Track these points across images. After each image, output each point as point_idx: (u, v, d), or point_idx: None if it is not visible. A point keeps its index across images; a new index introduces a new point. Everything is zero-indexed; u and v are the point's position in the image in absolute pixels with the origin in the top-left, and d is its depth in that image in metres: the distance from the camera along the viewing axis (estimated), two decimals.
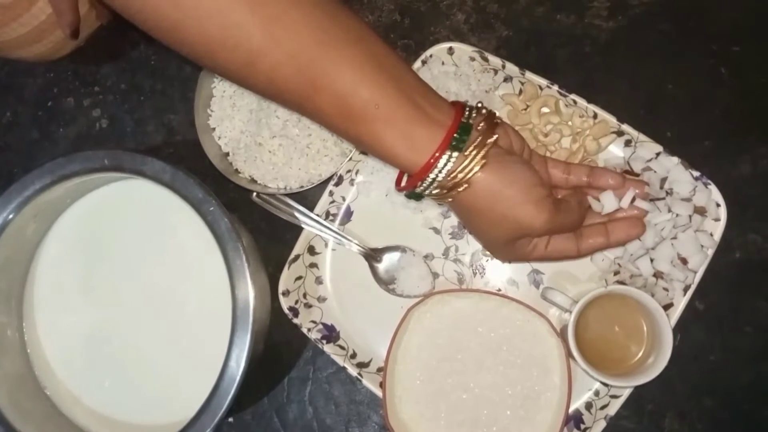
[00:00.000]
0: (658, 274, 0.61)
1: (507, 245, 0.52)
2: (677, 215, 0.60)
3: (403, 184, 0.52)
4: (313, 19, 0.44)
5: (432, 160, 0.46)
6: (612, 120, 0.63)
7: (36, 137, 0.72)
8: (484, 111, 0.49)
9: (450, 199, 0.49)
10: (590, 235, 0.55)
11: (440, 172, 0.46)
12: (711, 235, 0.61)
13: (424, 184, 0.48)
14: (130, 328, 0.60)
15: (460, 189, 0.47)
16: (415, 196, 0.50)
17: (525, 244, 0.52)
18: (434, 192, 0.48)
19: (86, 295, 0.61)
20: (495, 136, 0.47)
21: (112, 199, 0.61)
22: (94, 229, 0.61)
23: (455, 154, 0.46)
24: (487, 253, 0.65)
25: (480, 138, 0.47)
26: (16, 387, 0.58)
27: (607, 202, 0.56)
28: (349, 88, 0.44)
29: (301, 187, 0.65)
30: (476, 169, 0.47)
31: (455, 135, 0.46)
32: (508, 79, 0.65)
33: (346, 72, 0.44)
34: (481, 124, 0.48)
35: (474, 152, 0.46)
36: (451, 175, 0.47)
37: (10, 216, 0.56)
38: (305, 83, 0.44)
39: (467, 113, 0.48)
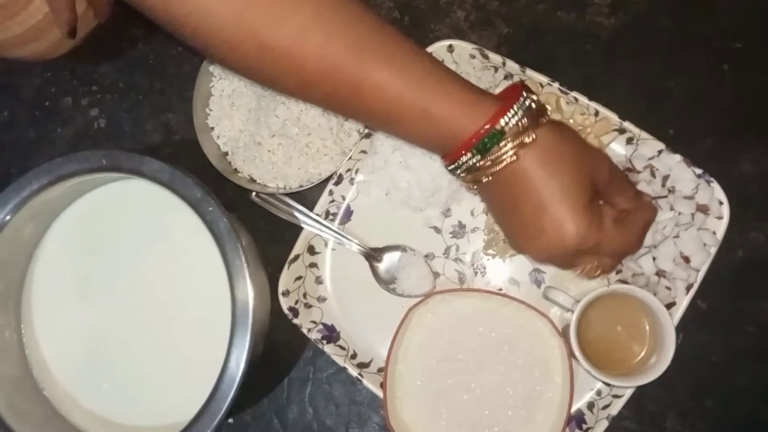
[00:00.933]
0: (660, 273, 0.61)
1: (583, 195, 0.48)
2: (680, 213, 0.60)
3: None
4: (360, 13, 0.45)
5: (488, 124, 0.45)
6: (613, 117, 0.62)
7: (34, 137, 0.72)
8: (536, 98, 0.48)
9: (489, 179, 0.48)
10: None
11: (487, 144, 0.46)
12: (714, 233, 0.61)
13: (467, 157, 0.47)
14: (128, 328, 0.60)
15: (498, 167, 0.47)
16: (456, 169, 0.49)
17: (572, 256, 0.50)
18: (479, 164, 0.47)
19: (85, 296, 0.61)
20: (546, 116, 0.47)
21: (111, 199, 0.61)
22: (93, 229, 0.61)
23: (510, 123, 0.45)
24: (489, 252, 0.65)
25: (533, 116, 0.47)
26: (14, 388, 0.57)
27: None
28: (401, 69, 0.45)
29: (301, 186, 0.65)
30: (520, 147, 0.46)
31: (518, 102, 0.46)
32: (508, 76, 0.65)
33: (398, 55, 0.46)
34: (534, 107, 0.47)
35: (526, 126, 0.46)
36: (497, 152, 0.46)
37: (7, 217, 0.55)
38: (359, 69, 0.45)
39: (521, 102, 0.47)
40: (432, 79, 0.46)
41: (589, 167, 0.49)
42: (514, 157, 0.46)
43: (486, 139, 0.46)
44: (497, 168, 0.47)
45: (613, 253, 0.52)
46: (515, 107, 0.46)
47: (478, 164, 0.47)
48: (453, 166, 0.49)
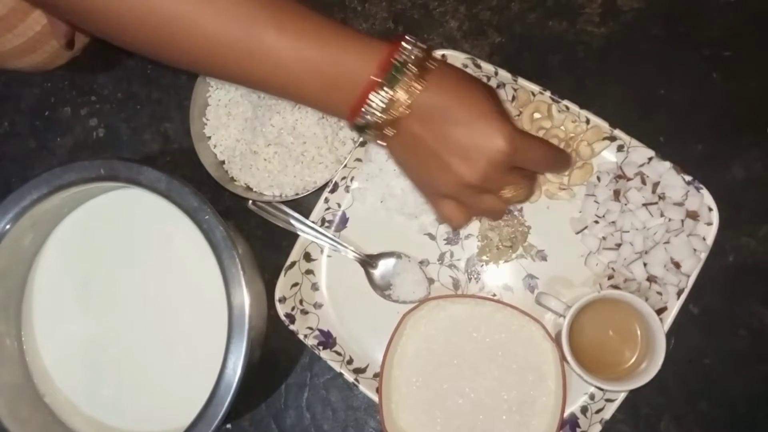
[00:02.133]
0: (651, 279, 0.61)
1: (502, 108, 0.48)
2: (670, 219, 0.61)
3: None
4: None
5: (373, 80, 0.45)
6: (604, 125, 0.63)
7: (33, 146, 0.73)
8: (425, 47, 0.47)
9: (392, 130, 0.47)
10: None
11: (381, 93, 0.45)
12: (704, 239, 0.61)
13: (369, 108, 0.46)
14: (127, 336, 0.61)
15: (397, 113, 0.46)
16: (363, 126, 0.47)
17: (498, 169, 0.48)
18: (377, 116, 0.46)
19: (84, 304, 0.61)
20: (436, 63, 0.46)
21: (109, 208, 0.62)
22: (91, 238, 0.62)
23: (397, 75, 0.45)
24: (483, 258, 0.65)
25: (420, 62, 0.46)
26: (15, 396, 0.58)
27: None
28: (297, 27, 0.44)
29: (297, 194, 0.65)
30: (418, 88, 0.45)
31: (398, 56, 0.45)
32: (501, 85, 0.66)
33: (294, 13, 0.45)
34: (420, 53, 0.46)
35: (415, 72, 0.45)
36: (394, 97, 0.45)
37: (8, 226, 0.56)
38: (252, 34, 0.44)
39: (410, 45, 0.46)
40: (324, 34, 0.45)
41: (489, 91, 0.49)
42: (418, 92, 0.45)
43: (390, 74, 0.45)
44: (406, 108, 0.46)
45: (539, 163, 0.52)
46: (408, 44, 0.45)
47: (384, 111, 0.46)
48: (360, 119, 0.47)
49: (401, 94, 0.45)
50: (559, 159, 0.55)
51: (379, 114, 0.46)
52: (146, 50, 0.46)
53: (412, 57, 0.46)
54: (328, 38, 0.45)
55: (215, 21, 0.43)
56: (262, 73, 0.46)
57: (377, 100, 0.45)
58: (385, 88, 0.45)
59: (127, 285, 0.61)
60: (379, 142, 0.49)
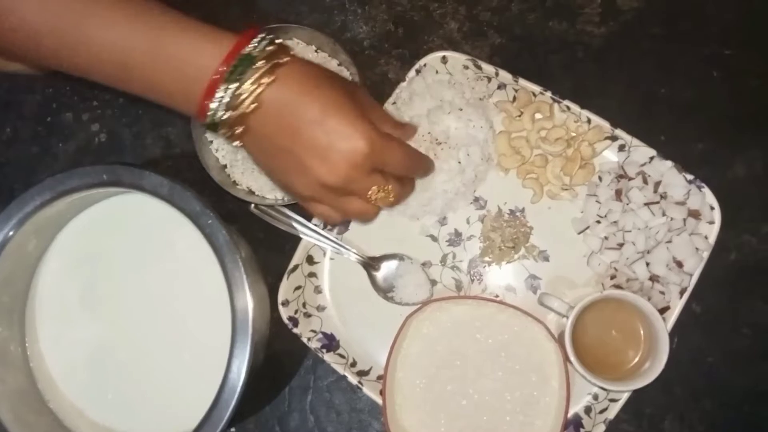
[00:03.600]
0: (654, 278, 0.61)
1: (356, 104, 0.46)
2: (672, 219, 0.61)
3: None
4: None
5: (220, 73, 0.43)
6: (605, 125, 0.63)
7: (36, 152, 0.73)
8: (277, 41, 0.46)
9: (242, 128, 0.45)
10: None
11: (227, 89, 0.44)
12: (706, 237, 0.61)
13: (215, 104, 0.44)
14: (131, 340, 0.61)
15: (248, 109, 0.44)
16: (213, 126, 0.46)
17: (360, 172, 0.47)
18: (225, 116, 0.44)
19: (87, 309, 0.61)
20: (286, 58, 0.45)
21: (112, 213, 0.62)
22: (94, 243, 0.62)
23: (242, 69, 0.43)
24: (485, 259, 0.66)
25: (269, 55, 0.45)
26: (19, 401, 0.58)
27: None
28: (130, 20, 0.44)
29: None
30: (266, 82, 0.44)
31: (244, 50, 0.44)
32: (501, 86, 0.66)
33: (126, 6, 0.44)
34: (272, 47, 0.45)
35: (263, 65, 0.44)
36: (239, 92, 0.44)
37: (11, 232, 0.56)
38: (80, 22, 0.43)
39: (258, 38, 0.45)
40: (163, 24, 0.44)
41: (348, 88, 0.47)
42: (269, 88, 0.44)
43: (234, 68, 0.44)
44: (253, 102, 0.44)
45: (399, 166, 0.50)
46: (257, 38, 0.45)
47: (231, 106, 0.44)
48: (208, 116, 0.45)
49: (247, 87, 0.44)
50: (420, 164, 0.53)
51: (224, 110, 0.44)
52: None
53: (262, 50, 0.44)
54: (168, 27, 0.44)
55: (39, 10, 0.42)
56: (91, 62, 0.44)
57: (223, 93, 0.44)
58: (231, 82, 0.43)
59: (131, 290, 0.61)
60: (235, 143, 0.48)
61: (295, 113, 0.45)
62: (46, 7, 0.42)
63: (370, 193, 0.49)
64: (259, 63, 0.44)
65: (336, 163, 0.46)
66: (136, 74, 0.45)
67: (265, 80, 0.44)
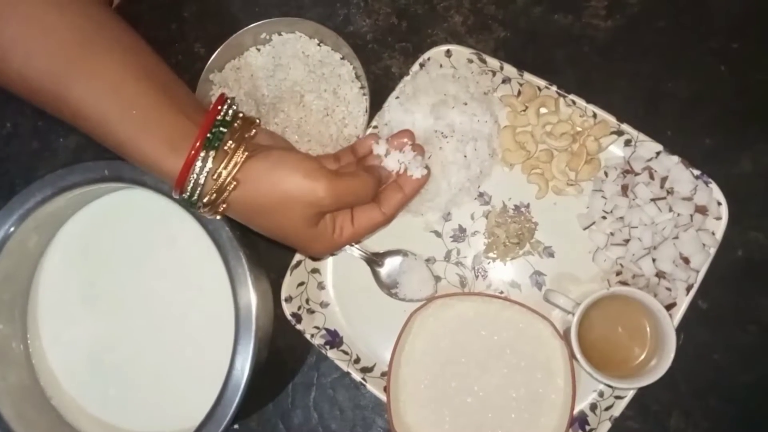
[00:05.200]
0: (660, 274, 0.61)
1: (309, 232, 0.50)
2: (678, 215, 0.60)
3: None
4: (76, 24, 0.45)
5: (191, 157, 0.45)
6: (611, 120, 0.63)
7: (36, 147, 0.72)
8: (241, 114, 0.49)
9: (225, 205, 0.48)
10: (387, 196, 0.53)
11: (202, 169, 0.45)
12: (713, 233, 0.61)
13: (190, 186, 0.46)
14: (133, 337, 0.60)
15: (230, 187, 0.46)
16: (190, 203, 0.48)
17: (329, 226, 0.51)
18: (206, 198, 0.47)
19: (89, 305, 0.61)
20: (254, 130, 0.48)
21: (113, 209, 0.62)
22: (96, 239, 0.62)
23: (213, 152, 0.45)
24: (490, 255, 0.65)
25: (239, 132, 0.47)
26: (21, 398, 0.58)
27: (390, 162, 0.54)
28: (107, 90, 0.45)
29: None
30: (240, 160, 0.46)
31: (212, 130, 0.46)
32: (506, 80, 0.65)
33: (105, 74, 0.45)
34: (238, 122, 0.47)
35: (234, 145, 0.46)
36: (216, 174, 0.46)
37: (12, 229, 0.56)
38: (60, 83, 0.44)
39: (224, 111, 0.48)
40: (127, 118, 0.45)
41: (307, 198, 0.48)
42: (234, 183, 0.46)
43: (192, 177, 0.45)
44: (224, 198, 0.47)
45: (357, 201, 0.52)
46: (213, 129, 0.46)
47: (204, 198, 0.47)
48: (186, 197, 0.47)
49: (224, 168, 0.46)
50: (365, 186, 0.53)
51: (199, 193, 0.46)
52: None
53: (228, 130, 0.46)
54: (134, 122, 0.45)
55: (23, 74, 0.44)
56: (74, 121, 0.46)
57: (196, 176, 0.45)
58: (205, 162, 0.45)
59: (133, 286, 0.61)
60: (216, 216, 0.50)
61: (270, 182, 0.47)
62: (30, 67, 0.44)
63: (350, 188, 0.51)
64: (231, 142, 0.46)
65: (303, 209, 0.48)
66: (111, 144, 0.47)
67: (237, 161, 0.46)
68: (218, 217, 0.50)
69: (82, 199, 0.61)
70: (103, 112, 0.45)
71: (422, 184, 0.55)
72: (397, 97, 0.65)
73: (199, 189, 0.46)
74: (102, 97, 0.45)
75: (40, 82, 0.45)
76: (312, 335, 0.64)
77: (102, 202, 0.62)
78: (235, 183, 0.46)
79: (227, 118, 0.47)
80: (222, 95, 0.49)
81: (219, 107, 0.48)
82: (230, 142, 0.46)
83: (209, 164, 0.45)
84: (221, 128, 0.46)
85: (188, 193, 0.46)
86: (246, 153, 0.46)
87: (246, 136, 0.47)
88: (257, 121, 0.49)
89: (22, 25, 0.44)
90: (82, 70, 0.44)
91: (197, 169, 0.45)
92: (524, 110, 0.65)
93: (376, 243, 0.66)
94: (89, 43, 0.45)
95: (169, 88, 0.47)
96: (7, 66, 0.44)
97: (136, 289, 0.61)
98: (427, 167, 0.54)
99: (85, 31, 0.45)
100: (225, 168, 0.46)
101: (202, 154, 0.45)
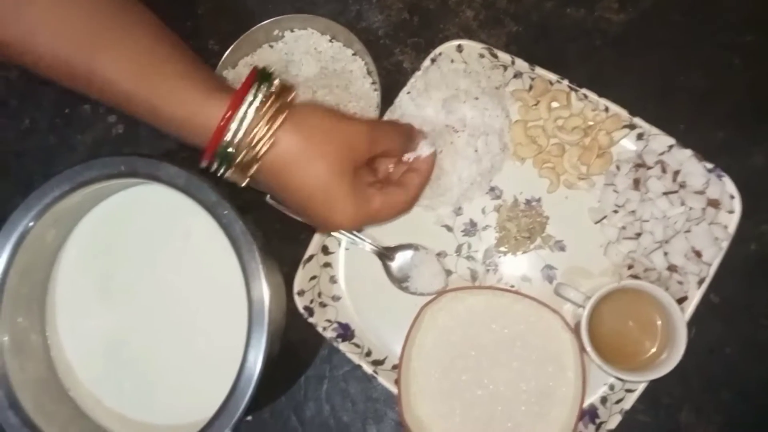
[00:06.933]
0: (672, 268, 0.61)
1: (339, 188, 0.49)
2: (691, 208, 0.60)
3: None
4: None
5: (234, 101, 0.45)
6: (624, 113, 0.63)
7: (54, 143, 0.73)
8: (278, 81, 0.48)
9: (259, 164, 0.47)
10: (407, 179, 0.54)
11: (242, 121, 0.45)
12: (725, 227, 0.61)
13: (228, 136, 0.45)
14: (148, 330, 0.61)
15: (266, 147, 0.46)
16: (221, 164, 0.47)
17: (359, 187, 0.50)
18: (239, 158, 0.46)
19: (105, 299, 0.62)
20: (293, 93, 0.48)
21: (129, 204, 0.62)
22: (112, 233, 0.62)
23: (252, 109, 0.45)
24: (501, 249, 0.65)
25: (278, 95, 0.47)
26: (40, 390, 0.59)
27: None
28: (141, 51, 0.46)
29: None
30: (280, 118, 0.46)
31: (252, 87, 0.46)
32: (518, 75, 0.65)
33: (138, 39, 0.46)
34: (277, 85, 0.47)
35: (273, 104, 0.46)
36: (253, 132, 0.45)
37: (31, 223, 0.57)
38: (93, 49, 0.45)
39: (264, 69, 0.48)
40: (163, 72, 0.46)
41: (345, 143, 0.49)
42: (271, 140, 0.46)
43: (232, 126, 0.45)
44: (258, 156, 0.46)
45: (389, 217, 0.53)
46: (252, 90, 0.46)
47: (237, 157, 0.46)
48: (215, 164, 0.48)
49: (260, 128, 0.46)
50: (414, 200, 0.55)
51: (233, 153, 0.46)
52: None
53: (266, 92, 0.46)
54: (168, 83, 0.46)
55: (52, 48, 0.45)
56: (102, 96, 0.47)
57: (232, 135, 0.45)
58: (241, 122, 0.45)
59: (148, 280, 0.62)
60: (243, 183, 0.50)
61: (288, 179, 0.48)
62: (58, 43, 0.45)
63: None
64: (259, 126, 0.46)
65: (327, 224, 0.51)
66: (142, 113, 0.48)
67: (265, 142, 0.46)
68: (243, 184, 0.49)
69: (99, 195, 0.61)
70: (138, 71, 0.45)
71: (433, 161, 0.55)
72: (409, 93, 0.65)
73: (237, 141, 0.45)
74: (136, 58, 0.46)
75: (71, 54, 0.45)
76: (324, 328, 0.64)
77: (118, 197, 0.63)
78: (273, 141, 0.46)
79: (269, 73, 0.47)
80: (254, 71, 0.48)
81: (251, 82, 0.47)
82: (270, 101, 0.46)
83: (251, 114, 0.45)
84: (266, 81, 0.46)
85: (223, 149, 0.46)
86: (284, 114, 0.46)
87: (284, 98, 0.47)
88: (294, 87, 0.49)
89: (44, 12, 0.44)
90: (112, 38, 0.46)
91: (238, 119, 0.45)
92: (536, 104, 0.65)
93: (387, 237, 0.66)
94: (120, 13, 0.47)
95: (198, 59, 0.48)
96: (36, 41, 0.45)
97: (151, 283, 0.62)
98: (432, 145, 0.56)
99: (113, 4, 0.47)
100: (266, 124, 0.45)
101: (250, 97, 0.45)
